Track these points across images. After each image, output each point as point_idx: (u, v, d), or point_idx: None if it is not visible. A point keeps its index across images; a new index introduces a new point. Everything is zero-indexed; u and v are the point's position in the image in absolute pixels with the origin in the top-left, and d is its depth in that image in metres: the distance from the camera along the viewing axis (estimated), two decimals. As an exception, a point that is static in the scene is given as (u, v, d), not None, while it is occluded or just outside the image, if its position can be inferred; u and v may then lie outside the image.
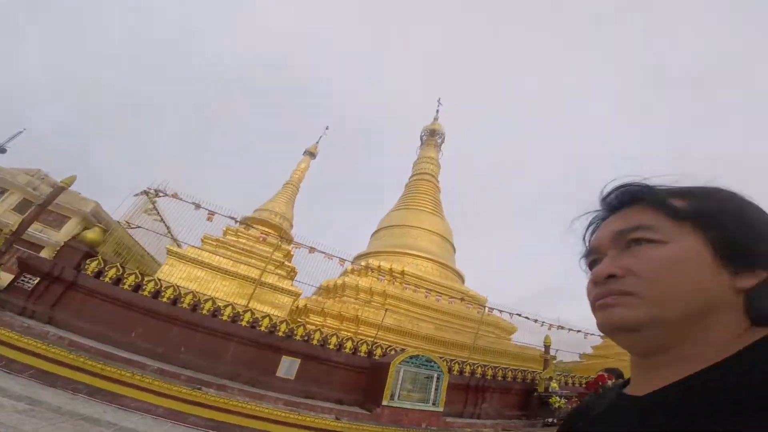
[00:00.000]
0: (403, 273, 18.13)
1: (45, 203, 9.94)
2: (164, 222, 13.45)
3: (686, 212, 0.54)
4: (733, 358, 0.47)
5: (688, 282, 0.51)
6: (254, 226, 16.11)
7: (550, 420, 12.12)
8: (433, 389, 10.38)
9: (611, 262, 0.56)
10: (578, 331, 17.52)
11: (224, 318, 10.08)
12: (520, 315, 16.13)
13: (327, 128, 24.47)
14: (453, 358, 13.29)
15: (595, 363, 18.11)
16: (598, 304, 0.56)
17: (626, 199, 0.59)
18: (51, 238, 22.41)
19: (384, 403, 9.38)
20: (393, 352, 11.40)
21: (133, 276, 9.80)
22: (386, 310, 14.66)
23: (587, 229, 0.65)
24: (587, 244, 0.64)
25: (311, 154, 21.39)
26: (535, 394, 13.14)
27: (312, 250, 14.40)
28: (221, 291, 12.00)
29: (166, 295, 9.80)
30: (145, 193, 11.76)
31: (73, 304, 9.08)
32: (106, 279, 9.54)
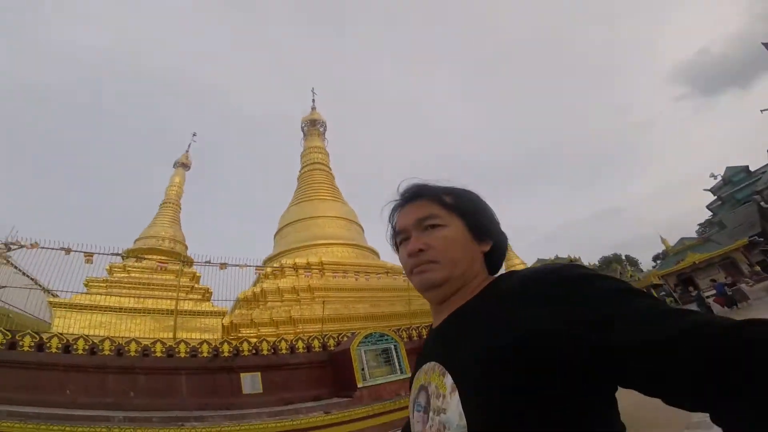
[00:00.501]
0: (321, 263, 17.97)
1: None
2: (27, 275, 11.02)
3: (452, 205, 0.82)
4: (477, 296, 0.76)
5: (461, 251, 0.79)
6: (145, 257, 14.18)
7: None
8: (395, 360, 10.81)
9: (418, 241, 0.80)
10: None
11: (157, 354, 8.98)
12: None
13: (194, 135, 21.60)
14: (397, 327, 13.88)
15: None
16: (415, 271, 0.80)
17: (416, 194, 0.86)
18: None
19: (360, 385, 9.48)
20: (345, 339, 11.47)
21: (29, 337, 8.04)
22: (323, 302, 14.54)
23: (391, 214, 0.89)
24: (394, 226, 0.88)
25: (184, 165, 18.89)
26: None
27: (223, 266, 13.33)
28: (136, 331, 10.45)
29: (79, 348, 8.34)
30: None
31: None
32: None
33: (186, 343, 9.48)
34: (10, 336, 7.93)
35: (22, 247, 10.06)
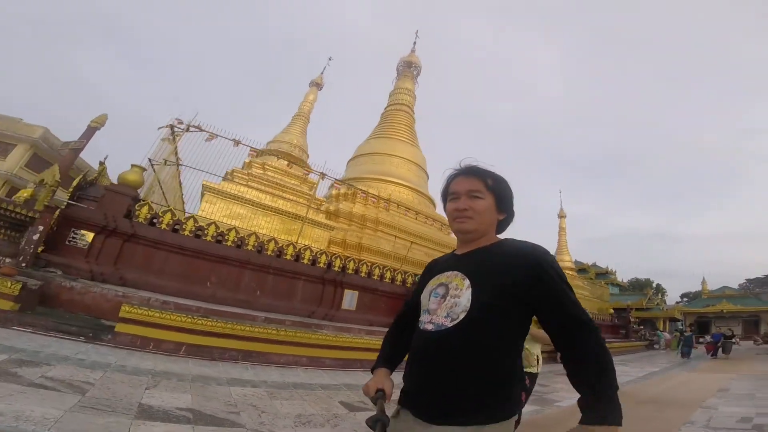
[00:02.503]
0: (389, 200, 18.12)
1: (80, 145, 7.73)
2: (178, 158, 11.00)
3: (491, 186, 1.15)
4: (490, 246, 1.13)
5: (488, 216, 1.14)
6: (293, 161, 14.23)
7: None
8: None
9: (465, 202, 1.14)
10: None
11: (288, 257, 9.44)
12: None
13: (330, 59, 21.50)
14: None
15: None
16: (457, 220, 1.15)
17: (471, 172, 1.18)
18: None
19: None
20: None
21: (192, 221, 8.52)
22: (397, 237, 14.92)
23: (449, 179, 1.21)
24: (449, 188, 1.20)
25: (318, 85, 19.34)
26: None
27: (339, 183, 13.38)
28: (265, 228, 10.75)
29: (230, 239, 8.78)
30: (171, 127, 9.66)
31: (136, 258, 7.75)
32: (163, 225, 8.19)
33: (310, 250, 9.88)
34: (175, 218, 8.41)
35: (202, 131, 10.04)
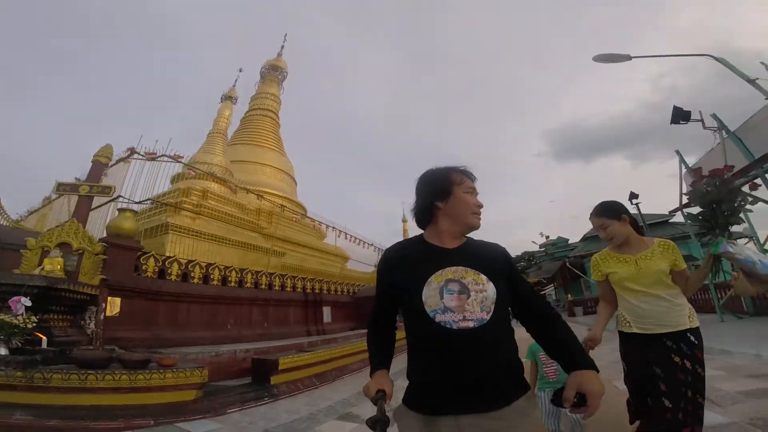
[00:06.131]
0: (308, 216, 18.63)
1: (107, 192, 6.58)
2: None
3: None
4: (470, 239, 1.28)
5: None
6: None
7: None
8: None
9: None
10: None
11: (277, 288, 10.39)
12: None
13: (240, 70, 20.62)
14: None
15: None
16: (476, 215, 1.26)
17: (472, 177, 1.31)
18: None
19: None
20: (360, 290, 14.72)
21: (198, 267, 8.49)
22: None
23: (467, 174, 1.32)
24: (463, 181, 1.29)
25: (231, 98, 17.99)
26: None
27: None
28: (233, 262, 10.32)
29: (232, 279, 9.13)
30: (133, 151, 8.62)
31: (161, 316, 7.45)
32: (173, 276, 7.96)
33: (292, 278, 11.03)
34: (182, 267, 8.14)
35: (150, 156, 9.22)
